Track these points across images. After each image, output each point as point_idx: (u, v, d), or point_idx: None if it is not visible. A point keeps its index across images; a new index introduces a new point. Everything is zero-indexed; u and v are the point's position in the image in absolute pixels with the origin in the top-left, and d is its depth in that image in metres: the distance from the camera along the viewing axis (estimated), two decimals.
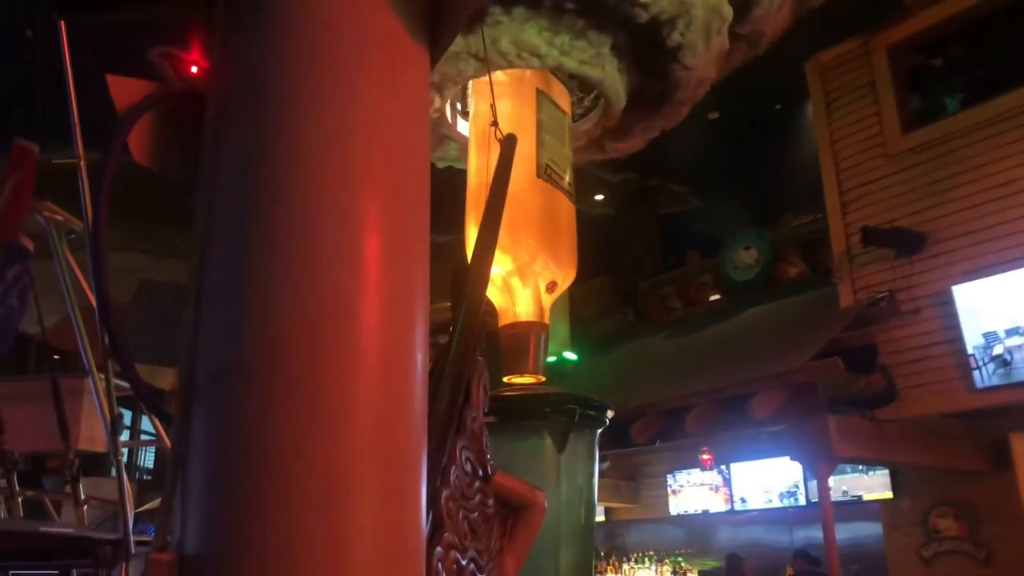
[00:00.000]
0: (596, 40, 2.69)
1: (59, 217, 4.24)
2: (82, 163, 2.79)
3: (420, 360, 1.27)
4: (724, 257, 10.81)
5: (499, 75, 2.78)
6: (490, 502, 1.64)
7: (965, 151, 7.75)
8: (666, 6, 2.55)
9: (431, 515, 1.36)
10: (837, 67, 8.91)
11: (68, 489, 4.47)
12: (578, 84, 3.06)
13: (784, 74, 8.77)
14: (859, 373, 7.61)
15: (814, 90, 9.09)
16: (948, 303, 7.52)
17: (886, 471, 9.22)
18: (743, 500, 11.25)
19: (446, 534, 1.44)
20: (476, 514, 1.58)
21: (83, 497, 4.29)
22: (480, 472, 1.61)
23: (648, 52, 2.76)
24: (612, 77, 2.85)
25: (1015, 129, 7.46)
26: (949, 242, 7.72)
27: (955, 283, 7.50)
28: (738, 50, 3.07)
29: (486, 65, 2.54)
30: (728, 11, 2.76)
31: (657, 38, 2.67)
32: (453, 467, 1.51)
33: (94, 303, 3.65)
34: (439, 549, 1.40)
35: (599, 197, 12.88)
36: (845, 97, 8.80)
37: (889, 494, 9.23)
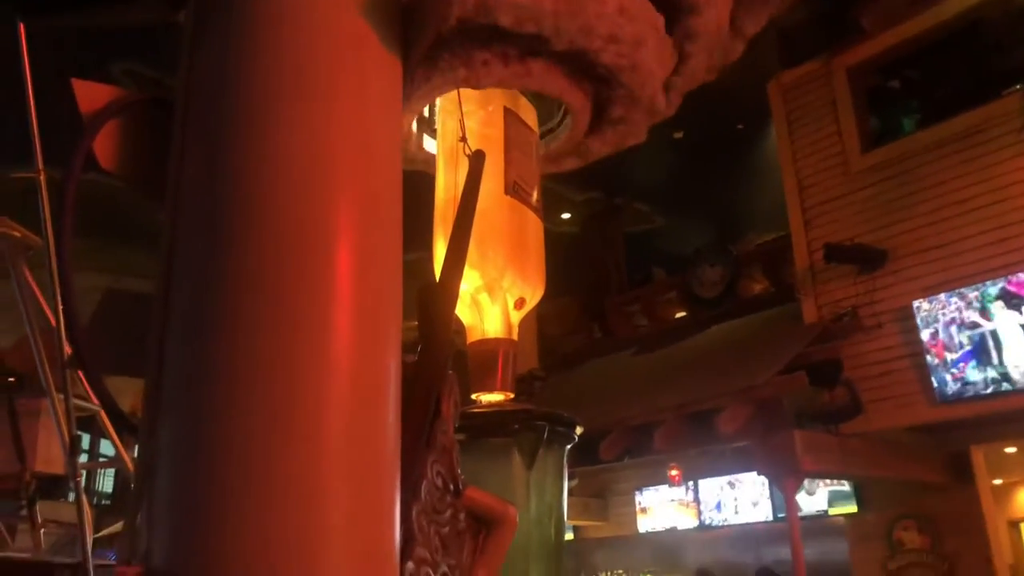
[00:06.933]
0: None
1: (16, 234, 4.15)
2: (42, 176, 2.70)
3: (393, 369, 1.25)
4: (689, 274, 10.90)
5: (467, 92, 2.78)
6: (461, 517, 1.62)
7: (923, 170, 7.93)
8: None
9: (402, 529, 1.34)
10: (798, 87, 9.08)
11: (24, 513, 4.36)
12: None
13: (747, 94, 8.91)
14: (824, 387, 7.70)
15: (776, 110, 9.25)
16: (909, 318, 7.66)
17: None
18: (712, 516, 11.28)
19: (418, 549, 1.41)
20: (448, 529, 1.56)
21: (40, 521, 4.18)
22: (451, 486, 1.60)
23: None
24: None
25: (970, 149, 7.65)
26: (909, 258, 7.88)
27: (916, 298, 7.64)
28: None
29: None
30: None
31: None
32: (424, 481, 1.49)
33: (52, 321, 3.58)
34: (411, 564, 1.38)
35: (565, 216, 12.95)
36: (806, 117, 8.96)
37: (854, 508, 9.33)
